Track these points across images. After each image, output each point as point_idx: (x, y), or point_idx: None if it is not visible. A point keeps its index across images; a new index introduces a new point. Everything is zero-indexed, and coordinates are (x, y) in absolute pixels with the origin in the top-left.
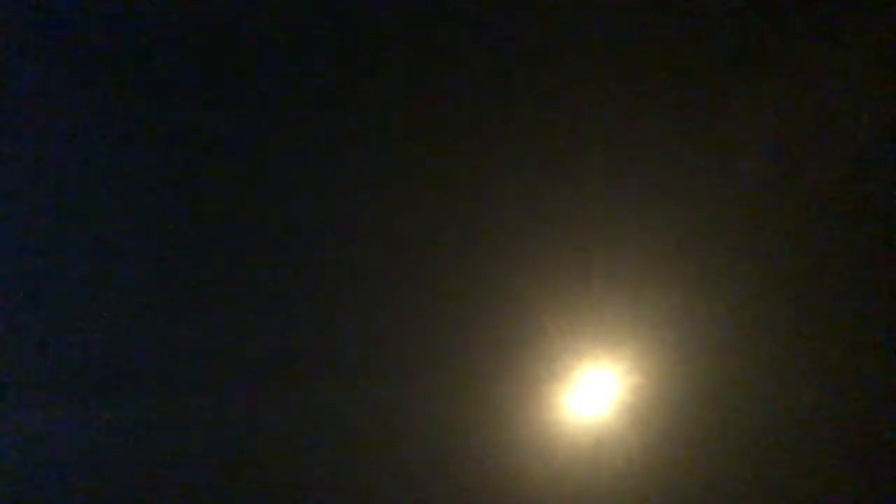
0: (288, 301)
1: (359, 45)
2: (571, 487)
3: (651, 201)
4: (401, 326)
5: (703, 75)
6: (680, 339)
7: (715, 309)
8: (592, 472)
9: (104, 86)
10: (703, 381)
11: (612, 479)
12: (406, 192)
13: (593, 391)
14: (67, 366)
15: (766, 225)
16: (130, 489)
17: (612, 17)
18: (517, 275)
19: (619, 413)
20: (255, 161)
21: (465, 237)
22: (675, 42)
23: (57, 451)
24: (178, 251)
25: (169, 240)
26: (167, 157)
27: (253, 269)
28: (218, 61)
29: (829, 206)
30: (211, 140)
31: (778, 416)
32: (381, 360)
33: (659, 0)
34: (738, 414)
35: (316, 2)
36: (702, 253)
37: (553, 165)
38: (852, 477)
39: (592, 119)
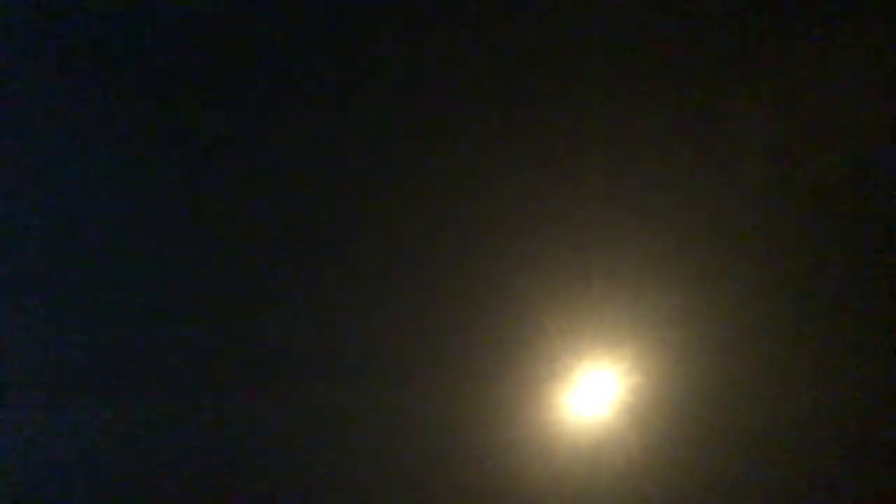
0: (288, 301)
1: (359, 45)
2: (571, 487)
3: (651, 201)
4: (401, 326)
5: (703, 75)
6: (680, 339)
7: (715, 309)
8: (592, 472)
9: (104, 86)
10: (703, 381)
11: (612, 479)
12: (406, 192)
13: (593, 391)
14: (67, 366)
15: (766, 225)
16: (130, 489)
17: (612, 17)
18: (517, 275)
19: (619, 413)
20: (255, 161)
21: (465, 237)
22: (674, 42)
23: (57, 451)
24: (178, 251)
25: (169, 240)
26: (167, 158)
27: (253, 269)
28: (219, 61)
29: (829, 206)
30: (211, 141)
31: (778, 417)
32: (381, 360)
33: (659, 0)
34: (738, 414)
35: (317, 2)
36: (702, 253)
37: (553, 165)
38: (852, 477)
39: (592, 119)
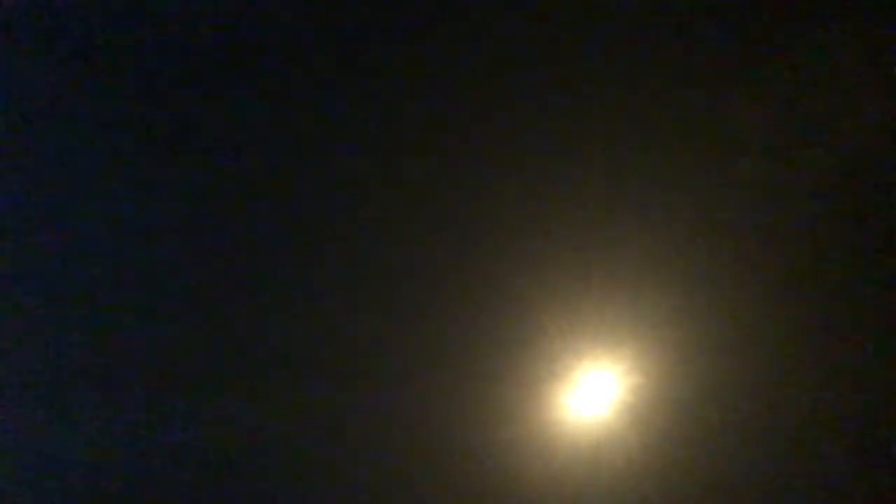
0: (288, 302)
1: (360, 45)
2: (571, 487)
3: (651, 201)
4: (401, 326)
5: (703, 75)
6: (680, 339)
7: (715, 309)
8: (592, 472)
9: (104, 86)
10: (703, 381)
11: (612, 479)
12: (406, 193)
13: (593, 391)
14: (67, 366)
15: (765, 225)
16: (130, 489)
17: (612, 17)
18: (517, 275)
19: (619, 413)
20: (256, 162)
21: (465, 237)
22: (675, 42)
23: (57, 451)
24: (179, 252)
25: (169, 240)
26: (167, 158)
27: (253, 269)
28: (220, 62)
29: (828, 206)
30: (212, 142)
31: (778, 417)
32: (381, 360)
33: (659, 0)
34: (738, 414)
35: (317, 2)
36: (702, 253)
37: (553, 165)
38: (852, 477)
39: (592, 119)
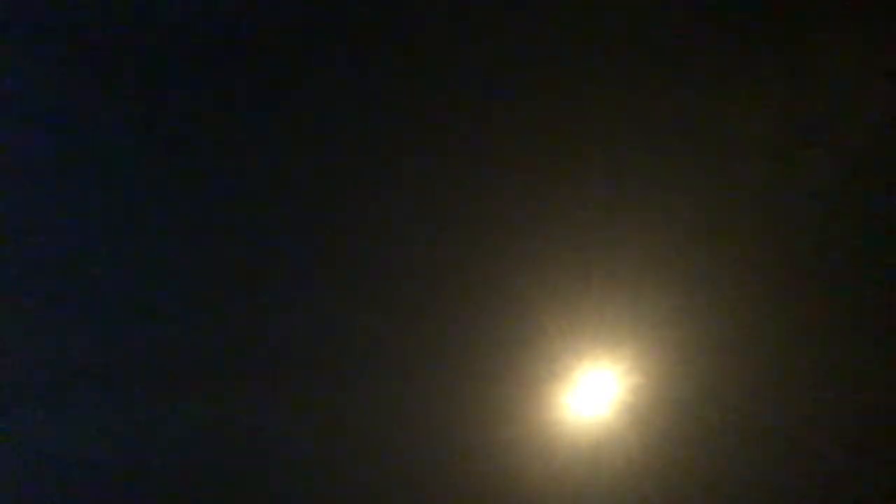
0: (288, 301)
1: (360, 44)
2: (571, 487)
3: (651, 201)
4: (401, 326)
5: (703, 75)
6: (680, 339)
7: (715, 309)
8: (592, 472)
9: (104, 86)
10: (703, 381)
11: (612, 479)
12: (406, 192)
13: (593, 391)
14: (67, 366)
15: (766, 225)
16: (130, 489)
17: (612, 16)
18: (517, 275)
19: (619, 413)
20: (255, 161)
21: (465, 237)
22: (674, 42)
23: (57, 451)
24: (178, 251)
25: (169, 240)
26: (167, 157)
27: (253, 269)
28: (218, 61)
29: (829, 206)
30: (212, 140)
31: (778, 416)
32: (381, 360)
33: (659, 0)
34: (738, 414)
35: (317, 2)
36: (702, 253)
37: (553, 165)
38: (852, 477)
39: (593, 119)
